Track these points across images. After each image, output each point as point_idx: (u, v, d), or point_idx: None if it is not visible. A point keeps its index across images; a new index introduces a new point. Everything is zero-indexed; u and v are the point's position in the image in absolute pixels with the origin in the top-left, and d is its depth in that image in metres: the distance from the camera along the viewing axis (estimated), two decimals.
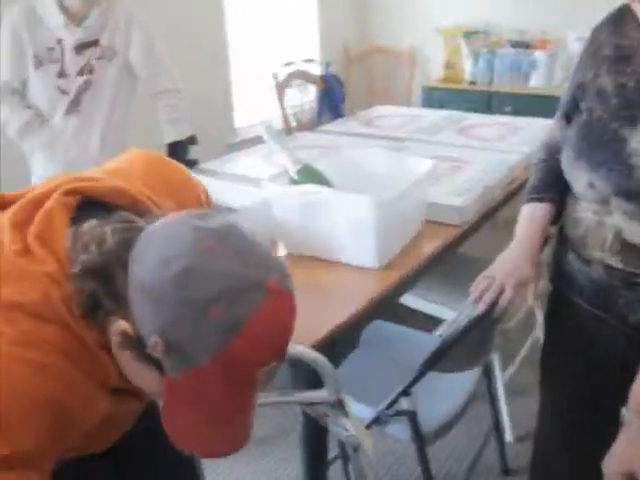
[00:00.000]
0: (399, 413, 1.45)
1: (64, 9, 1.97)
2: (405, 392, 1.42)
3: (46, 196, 0.76)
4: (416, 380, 1.35)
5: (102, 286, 0.69)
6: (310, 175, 1.53)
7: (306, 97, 3.47)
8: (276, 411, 2.16)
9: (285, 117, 3.36)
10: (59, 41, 1.98)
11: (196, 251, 0.66)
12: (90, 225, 0.73)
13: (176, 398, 0.70)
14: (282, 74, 3.23)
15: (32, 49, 1.98)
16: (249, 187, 1.74)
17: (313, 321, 1.26)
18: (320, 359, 1.06)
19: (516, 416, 2.04)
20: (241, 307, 0.66)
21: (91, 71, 2.02)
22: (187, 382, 0.68)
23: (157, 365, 0.68)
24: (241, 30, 3.61)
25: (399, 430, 1.48)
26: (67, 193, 0.76)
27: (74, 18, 1.98)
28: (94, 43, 2.01)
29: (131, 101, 2.19)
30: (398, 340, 1.74)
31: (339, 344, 1.24)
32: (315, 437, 1.37)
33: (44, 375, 0.66)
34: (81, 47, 2.00)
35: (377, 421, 1.47)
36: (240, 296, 0.66)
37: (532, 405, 1.40)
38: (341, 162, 1.66)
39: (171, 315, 0.65)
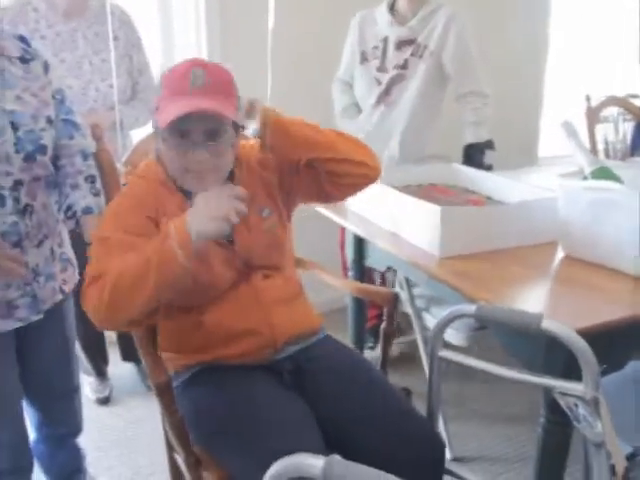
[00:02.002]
0: None
1: (394, 11, 2.22)
2: None
3: None
4: None
5: None
6: (606, 178, 1.44)
7: (621, 129, 3.22)
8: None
9: (593, 148, 3.16)
10: (384, 39, 2.22)
11: None
12: None
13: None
14: (597, 98, 3.06)
15: (360, 48, 2.26)
16: (536, 187, 1.71)
17: (580, 311, 1.20)
18: (583, 346, 1.00)
19: None
20: None
21: (405, 66, 2.19)
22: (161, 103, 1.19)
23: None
24: (562, 55, 3.52)
25: None
26: None
27: (401, 19, 2.20)
28: (412, 41, 2.19)
29: (438, 100, 2.29)
30: None
31: (604, 348, 1.15)
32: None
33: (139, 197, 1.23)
34: (401, 44, 2.20)
35: (631, 458, 1.32)
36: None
37: None
38: None
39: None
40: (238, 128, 1.23)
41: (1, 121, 1.21)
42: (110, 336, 2.41)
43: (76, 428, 1.71)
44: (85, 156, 1.42)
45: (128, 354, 2.42)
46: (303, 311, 1.39)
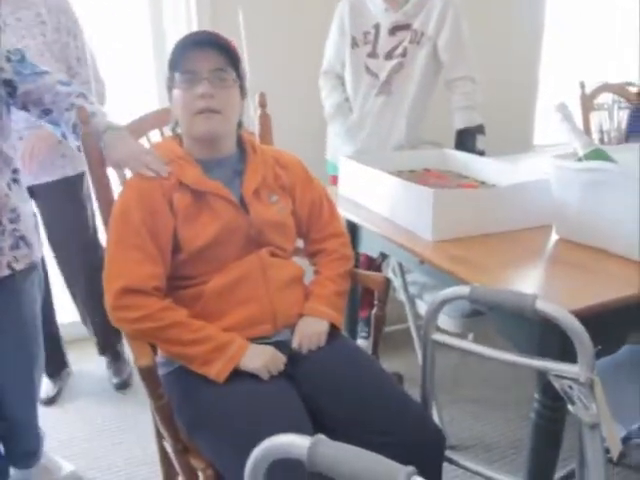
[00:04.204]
0: None
1: None
2: None
3: None
4: None
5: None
6: (600, 160, 1.42)
7: (616, 117, 3.19)
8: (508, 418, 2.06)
9: (587, 134, 3.14)
10: (376, 26, 2.15)
11: None
12: None
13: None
14: (591, 86, 3.03)
15: (351, 33, 2.19)
16: (530, 171, 1.69)
17: (575, 293, 1.18)
18: (578, 327, 0.98)
19: None
20: None
21: (404, 54, 2.14)
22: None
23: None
24: (557, 42, 3.49)
25: None
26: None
27: (394, 4, 2.13)
28: (407, 27, 2.13)
29: (434, 86, 2.26)
30: None
31: (599, 330, 1.13)
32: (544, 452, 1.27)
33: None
34: (394, 29, 2.14)
35: (626, 441, 1.31)
36: None
37: None
38: None
39: None
40: (243, 91, 1.34)
41: None
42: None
43: (36, 447, 1.68)
44: (64, 83, 1.44)
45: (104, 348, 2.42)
46: (302, 297, 1.39)
